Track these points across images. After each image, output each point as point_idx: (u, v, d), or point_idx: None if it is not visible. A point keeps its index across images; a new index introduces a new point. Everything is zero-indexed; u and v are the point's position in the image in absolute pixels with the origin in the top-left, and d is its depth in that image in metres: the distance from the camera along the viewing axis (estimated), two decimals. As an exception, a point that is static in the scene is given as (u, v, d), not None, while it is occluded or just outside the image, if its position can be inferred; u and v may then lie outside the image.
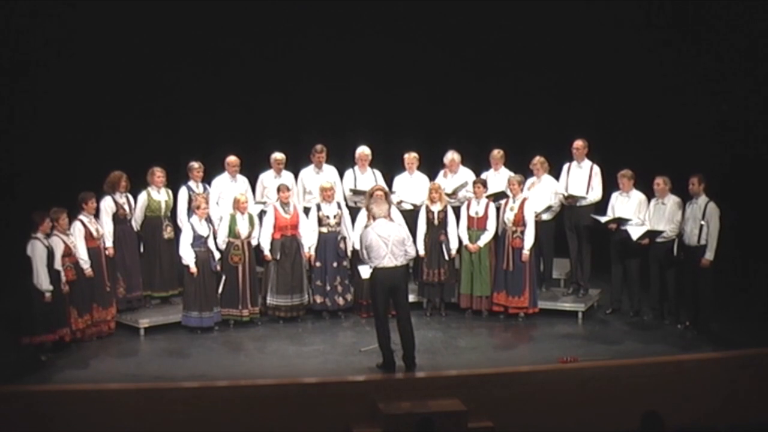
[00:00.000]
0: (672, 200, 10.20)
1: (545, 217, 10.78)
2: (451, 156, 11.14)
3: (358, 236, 10.34)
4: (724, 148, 12.35)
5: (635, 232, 10.19)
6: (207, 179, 11.01)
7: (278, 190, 10.54)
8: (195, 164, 10.83)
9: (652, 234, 10.16)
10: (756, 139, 12.41)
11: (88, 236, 9.71)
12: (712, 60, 12.42)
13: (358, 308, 10.74)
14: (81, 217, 9.73)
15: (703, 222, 9.79)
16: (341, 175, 11.29)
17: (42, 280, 8.99)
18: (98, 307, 9.80)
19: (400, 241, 8.86)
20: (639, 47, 12.52)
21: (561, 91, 12.51)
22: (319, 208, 10.61)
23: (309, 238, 10.54)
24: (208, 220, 10.23)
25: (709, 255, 9.79)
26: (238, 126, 12.24)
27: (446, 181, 11.10)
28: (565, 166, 10.94)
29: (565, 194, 10.74)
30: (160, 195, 10.58)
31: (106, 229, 10.11)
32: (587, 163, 10.85)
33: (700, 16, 12.39)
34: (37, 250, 9.02)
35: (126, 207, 10.31)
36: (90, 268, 9.62)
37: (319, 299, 10.62)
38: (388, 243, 8.78)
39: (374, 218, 8.99)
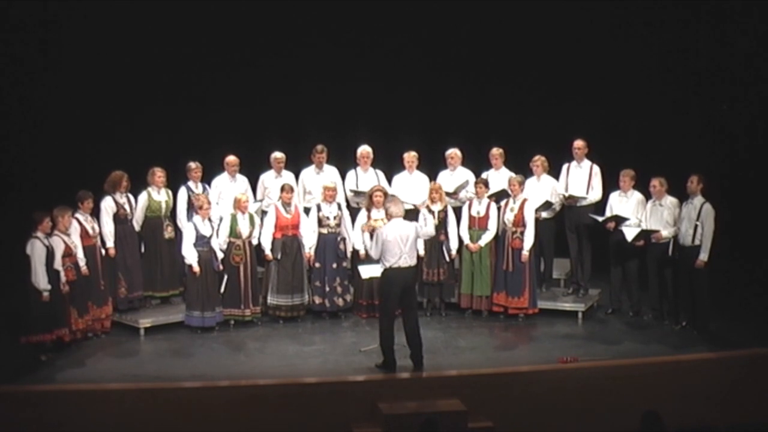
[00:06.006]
0: (670, 201, 10.20)
1: (545, 215, 10.79)
2: (453, 151, 11.15)
3: (358, 236, 10.39)
4: (723, 148, 12.35)
5: (629, 233, 10.20)
6: (207, 179, 11.02)
7: (282, 189, 10.54)
8: (192, 164, 10.84)
9: (646, 234, 10.17)
10: (754, 139, 12.41)
11: (84, 234, 9.73)
12: (712, 60, 12.42)
13: (358, 308, 10.74)
14: (77, 215, 9.73)
15: (697, 222, 9.80)
16: (342, 175, 11.30)
17: (40, 280, 8.99)
18: (93, 305, 9.80)
19: (413, 241, 8.91)
20: (639, 47, 12.52)
21: (561, 91, 12.51)
22: (319, 208, 10.61)
23: (310, 238, 10.55)
24: (211, 219, 10.24)
25: (704, 256, 9.79)
26: (238, 126, 12.24)
27: (450, 177, 11.09)
28: (565, 166, 10.95)
29: (566, 194, 10.75)
30: (160, 195, 10.59)
31: (107, 229, 10.13)
32: (587, 163, 10.86)
33: (701, 15, 12.39)
34: (36, 249, 9.02)
35: (126, 207, 10.32)
36: (86, 266, 9.63)
37: (318, 300, 10.62)
38: (406, 243, 8.81)
39: (391, 218, 8.98)
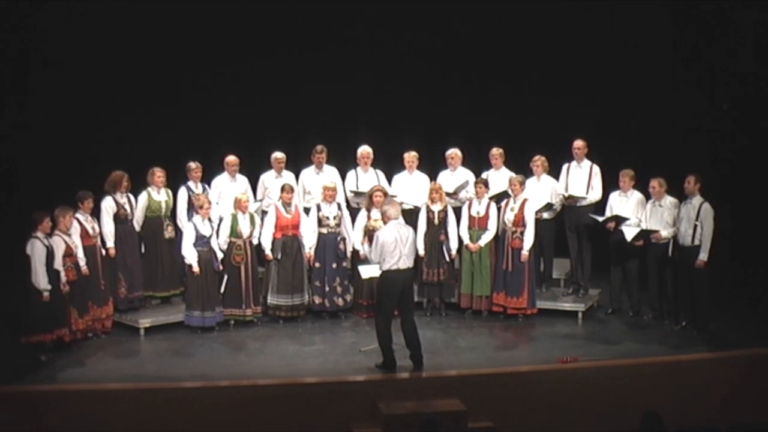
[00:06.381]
0: (669, 202, 10.19)
1: (546, 215, 10.79)
2: (453, 151, 11.16)
3: (358, 236, 10.40)
4: (723, 149, 12.36)
5: (629, 233, 10.20)
6: (207, 179, 11.02)
7: (282, 189, 10.54)
8: (192, 164, 10.84)
9: (645, 234, 10.17)
10: (754, 140, 12.41)
11: (84, 234, 9.73)
12: (711, 60, 12.43)
13: (358, 308, 10.74)
14: (77, 215, 9.73)
15: (697, 222, 9.80)
16: (342, 175, 11.30)
17: (40, 280, 9.00)
18: (93, 305, 9.80)
19: (412, 243, 8.93)
20: (639, 47, 12.52)
21: (561, 91, 12.51)
22: (319, 208, 10.62)
23: (310, 238, 10.55)
24: (210, 219, 10.24)
25: (703, 255, 9.79)
26: (238, 126, 12.24)
27: (450, 177, 11.10)
28: (565, 166, 10.96)
29: (565, 194, 10.76)
30: (160, 195, 10.59)
31: (107, 229, 10.13)
32: (587, 163, 10.86)
33: (701, 15, 12.39)
34: (36, 249, 9.02)
35: (127, 207, 10.33)
36: (86, 266, 9.63)
37: (317, 300, 10.62)
38: (405, 245, 8.82)
39: (389, 219, 8.98)
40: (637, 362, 9.09)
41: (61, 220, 9.36)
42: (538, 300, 10.66)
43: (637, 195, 10.51)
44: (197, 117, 12.19)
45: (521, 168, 10.92)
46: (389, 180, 11.29)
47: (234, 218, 10.30)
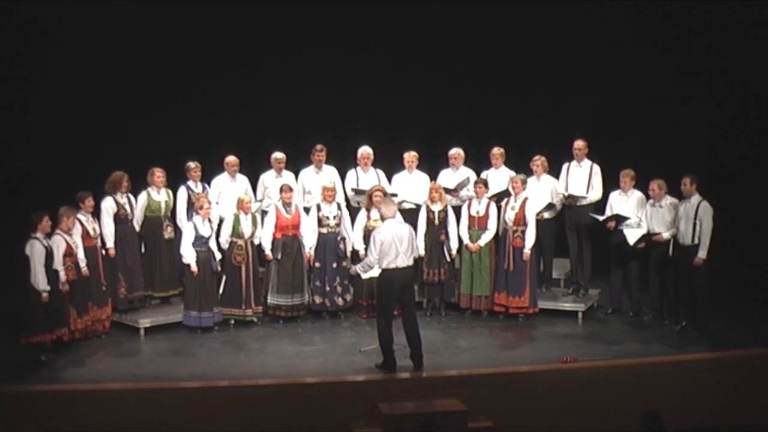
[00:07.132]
0: (669, 202, 10.18)
1: (547, 215, 10.79)
2: (456, 151, 11.16)
3: (358, 236, 10.41)
4: (723, 149, 12.36)
5: (631, 236, 10.19)
6: (207, 179, 11.02)
7: (281, 190, 10.54)
8: (192, 164, 10.84)
9: (648, 238, 10.16)
10: (754, 140, 12.42)
11: (85, 235, 9.73)
12: (712, 60, 12.43)
13: (358, 308, 10.74)
14: (78, 215, 9.72)
15: (696, 221, 9.79)
16: (342, 175, 11.31)
17: (39, 280, 8.99)
18: (93, 306, 9.80)
19: (410, 241, 8.90)
20: (639, 47, 12.52)
21: (561, 91, 12.51)
22: (319, 208, 10.62)
23: (310, 238, 10.55)
24: (210, 220, 10.23)
25: (702, 254, 9.78)
26: (238, 126, 12.25)
27: (452, 176, 11.10)
28: (565, 166, 10.96)
29: (565, 194, 10.76)
30: (160, 195, 10.59)
31: (107, 229, 10.13)
32: (587, 162, 10.86)
33: (701, 15, 12.39)
34: (35, 249, 9.02)
35: (127, 207, 10.32)
36: (86, 267, 9.63)
37: (318, 299, 10.62)
38: (402, 243, 8.81)
39: (383, 218, 8.97)
40: (637, 362, 9.09)
41: (65, 219, 9.36)
42: (539, 300, 10.65)
43: (637, 194, 10.50)
44: (197, 117, 12.20)
45: (521, 168, 10.92)
46: (389, 180, 11.29)
47: (236, 218, 10.30)
